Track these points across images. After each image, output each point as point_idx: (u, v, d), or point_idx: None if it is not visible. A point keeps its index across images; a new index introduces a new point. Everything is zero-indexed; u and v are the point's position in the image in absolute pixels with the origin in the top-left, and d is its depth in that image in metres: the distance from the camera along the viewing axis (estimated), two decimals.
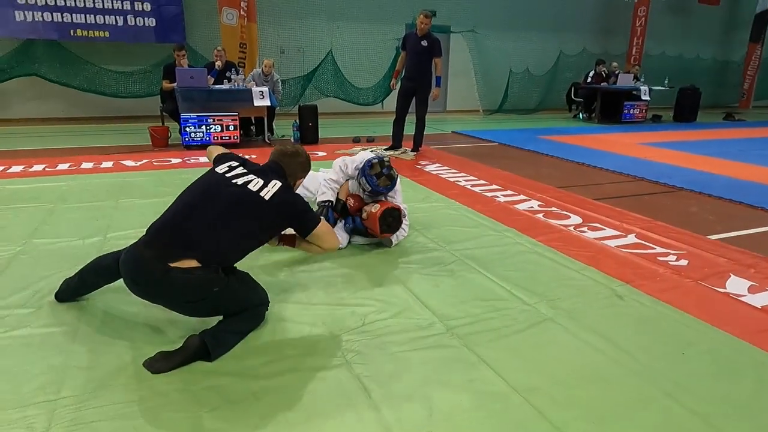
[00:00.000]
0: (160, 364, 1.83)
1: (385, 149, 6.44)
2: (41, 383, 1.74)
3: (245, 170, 2.14)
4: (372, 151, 6.35)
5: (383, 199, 3.13)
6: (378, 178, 2.99)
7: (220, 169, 2.14)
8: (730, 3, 14.83)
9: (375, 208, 2.93)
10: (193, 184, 2.15)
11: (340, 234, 2.97)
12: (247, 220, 2.01)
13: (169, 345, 1.94)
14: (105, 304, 2.29)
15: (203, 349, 1.87)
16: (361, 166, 3.09)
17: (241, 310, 2.05)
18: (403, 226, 3.09)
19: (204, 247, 1.91)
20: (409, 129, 6.37)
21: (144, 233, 1.99)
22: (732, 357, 2.01)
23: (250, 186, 2.05)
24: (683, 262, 2.98)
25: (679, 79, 12.08)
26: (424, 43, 5.93)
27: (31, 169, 5.00)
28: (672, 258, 3.04)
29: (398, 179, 3.14)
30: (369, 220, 2.94)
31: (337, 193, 3.16)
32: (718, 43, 15.24)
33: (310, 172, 3.31)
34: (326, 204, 3.10)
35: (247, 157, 2.31)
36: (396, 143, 6.43)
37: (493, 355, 1.97)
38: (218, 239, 1.95)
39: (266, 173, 2.15)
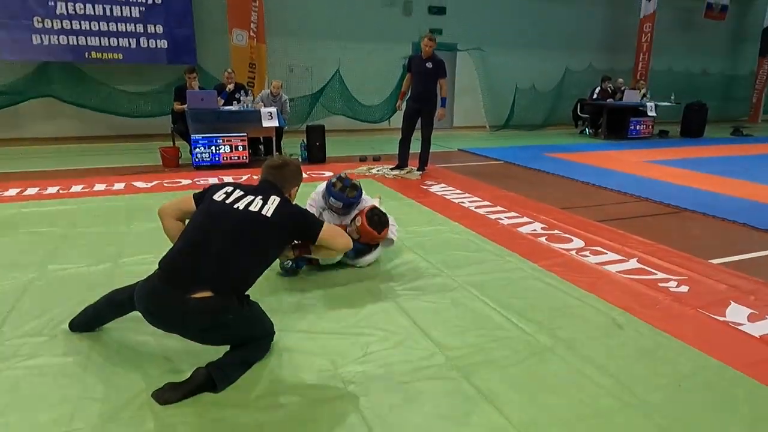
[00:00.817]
0: (169, 395, 1.90)
1: (391, 169, 6.54)
2: (55, 415, 1.81)
3: (242, 192, 2.19)
4: (377, 170, 6.44)
5: (356, 211, 3.23)
6: (343, 191, 3.17)
7: (218, 196, 2.18)
8: (736, 17, 14.86)
9: (358, 221, 3.07)
10: (196, 216, 2.21)
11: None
12: (254, 243, 2.08)
13: (179, 375, 2.01)
14: (117, 333, 2.37)
15: (209, 380, 1.94)
16: (323, 189, 3.27)
17: (250, 339, 2.12)
18: (390, 221, 3.22)
19: (216, 278, 1.97)
20: (416, 147, 6.46)
21: (157, 267, 2.07)
22: (728, 390, 2.04)
23: (251, 207, 2.11)
24: (684, 289, 3.00)
25: (686, 94, 12.11)
26: (429, 65, 6.05)
27: (45, 192, 5.14)
28: (673, 284, 3.07)
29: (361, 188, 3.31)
30: (362, 233, 3.04)
31: None
32: (726, 57, 15.26)
33: None
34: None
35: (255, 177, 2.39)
36: (402, 163, 6.52)
37: (492, 387, 2.01)
38: (229, 268, 2.01)
39: (263, 191, 2.21)
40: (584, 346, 2.33)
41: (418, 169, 6.48)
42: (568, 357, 2.24)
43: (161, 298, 1.97)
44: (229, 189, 2.22)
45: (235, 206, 2.12)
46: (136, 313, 2.20)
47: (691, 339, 2.41)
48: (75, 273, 3.08)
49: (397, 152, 6.54)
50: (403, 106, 6.44)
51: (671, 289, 3.00)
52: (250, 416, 1.83)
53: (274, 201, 2.16)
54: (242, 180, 5.84)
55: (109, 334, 2.36)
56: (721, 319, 2.64)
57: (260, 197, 2.16)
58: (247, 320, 2.11)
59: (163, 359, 2.18)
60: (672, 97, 11.47)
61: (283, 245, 2.30)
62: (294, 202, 2.38)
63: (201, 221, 2.15)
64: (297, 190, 2.44)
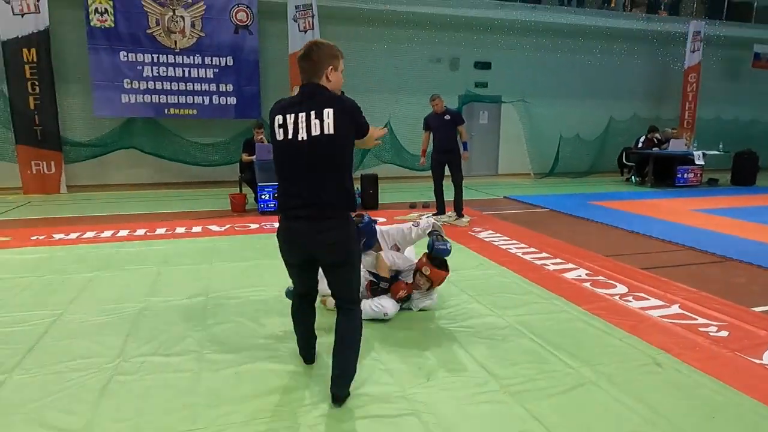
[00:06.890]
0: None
1: (433, 215, 6.95)
2: (178, 417, 2.24)
3: (294, 116, 2.21)
4: (423, 216, 6.84)
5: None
6: (443, 242, 3.52)
7: (280, 135, 2.25)
8: None
9: (426, 270, 3.42)
10: (276, 159, 2.33)
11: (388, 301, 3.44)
12: (331, 158, 2.23)
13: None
14: (234, 356, 2.83)
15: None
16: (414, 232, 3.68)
17: (356, 290, 2.43)
18: (432, 296, 3.59)
19: (328, 201, 2.23)
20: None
21: (279, 208, 2.41)
22: (758, 423, 2.25)
23: (314, 132, 2.18)
24: (723, 333, 3.20)
25: (735, 142, 12.04)
26: (447, 117, 6.56)
27: (135, 234, 5.83)
28: (713, 329, 3.27)
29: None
30: (434, 279, 3.45)
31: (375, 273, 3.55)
32: None
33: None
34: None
35: None
36: (440, 210, 6.97)
37: (541, 411, 2.31)
38: (328, 190, 2.23)
39: (312, 103, 2.22)
40: (624, 381, 2.59)
41: (456, 215, 6.84)
42: (609, 389, 2.51)
43: (300, 232, 2.28)
44: (280, 119, 2.25)
45: (300, 138, 2.20)
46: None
47: (727, 378, 2.62)
48: (174, 305, 3.60)
49: (435, 201, 7.01)
50: (427, 162, 6.91)
51: (711, 334, 3.19)
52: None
53: (329, 114, 2.18)
54: None
55: (223, 355, 2.82)
56: (758, 361, 2.83)
57: (314, 113, 2.18)
58: (357, 267, 2.43)
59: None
60: (720, 146, 11.46)
61: (351, 138, 2.31)
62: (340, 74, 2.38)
63: (282, 162, 2.30)
64: (338, 64, 2.37)
